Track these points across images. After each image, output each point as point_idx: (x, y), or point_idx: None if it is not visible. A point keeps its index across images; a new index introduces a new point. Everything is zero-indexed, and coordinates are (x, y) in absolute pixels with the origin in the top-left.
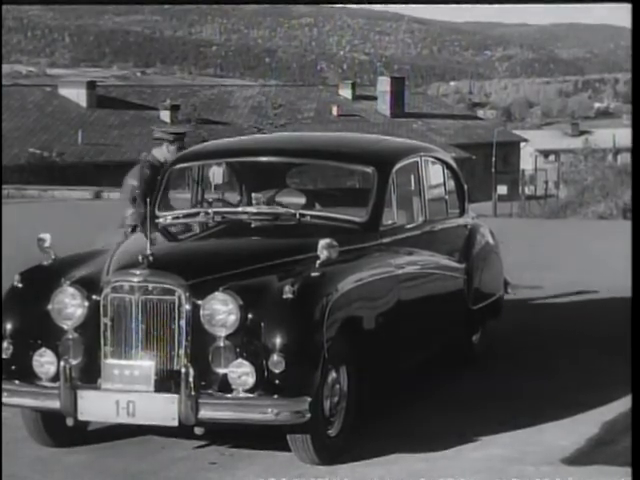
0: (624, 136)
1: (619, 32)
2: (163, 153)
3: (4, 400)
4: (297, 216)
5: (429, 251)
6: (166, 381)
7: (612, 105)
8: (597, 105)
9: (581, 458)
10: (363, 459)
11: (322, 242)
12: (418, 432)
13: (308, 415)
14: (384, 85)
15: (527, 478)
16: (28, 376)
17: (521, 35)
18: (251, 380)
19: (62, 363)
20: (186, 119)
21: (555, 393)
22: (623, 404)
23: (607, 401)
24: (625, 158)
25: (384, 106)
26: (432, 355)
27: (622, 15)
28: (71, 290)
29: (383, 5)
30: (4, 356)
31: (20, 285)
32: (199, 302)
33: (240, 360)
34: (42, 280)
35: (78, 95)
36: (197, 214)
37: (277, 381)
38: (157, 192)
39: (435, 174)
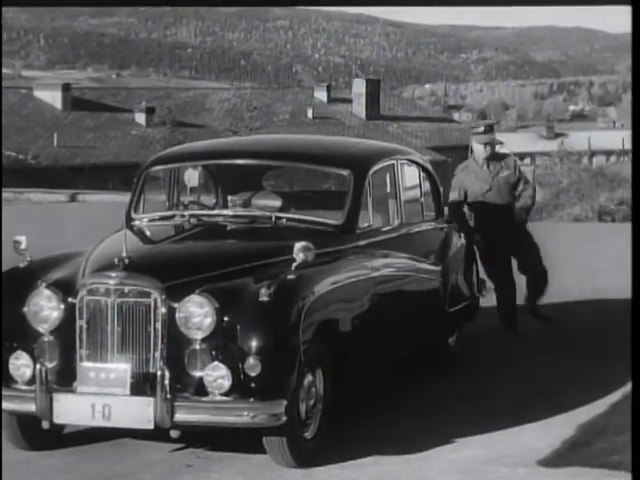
0: (599, 139)
1: (594, 35)
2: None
3: None
4: (273, 219)
5: (405, 254)
6: (142, 384)
7: (587, 108)
8: (572, 108)
9: (556, 460)
10: (339, 461)
11: (298, 245)
12: (395, 434)
13: (284, 418)
14: (359, 88)
15: (503, 479)
16: (4, 379)
17: (496, 38)
18: (227, 383)
19: (38, 366)
20: (161, 121)
21: (531, 395)
22: (598, 406)
23: (582, 403)
24: (600, 161)
25: (359, 109)
26: (409, 357)
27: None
28: (47, 292)
29: (358, 8)
30: None
31: None
32: (175, 305)
33: (216, 363)
34: (18, 282)
35: (53, 97)
36: (173, 217)
37: (253, 384)
38: (133, 194)
39: (411, 177)
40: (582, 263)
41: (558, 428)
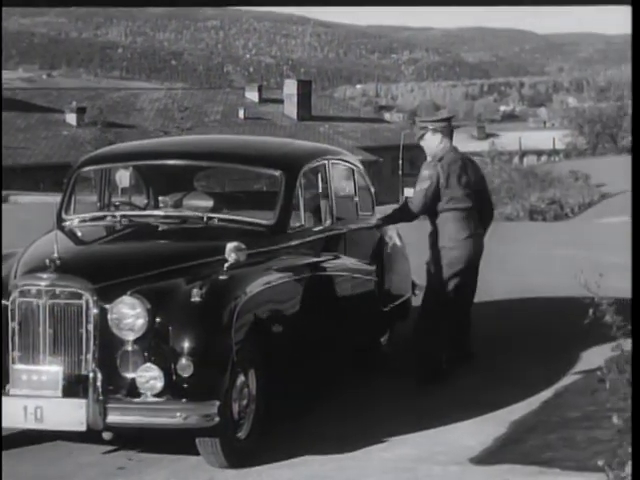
0: (530, 139)
1: (524, 36)
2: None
3: None
4: (204, 219)
5: (338, 253)
6: (74, 386)
7: (518, 108)
8: (503, 108)
9: (489, 458)
10: (272, 462)
11: (230, 245)
12: (327, 434)
13: (217, 419)
14: (291, 88)
15: (435, 478)
16: None
17: (427, 39)
18: (159, 384)
19: None
20: (92, 122)
21: (463, 393)
22: (530, 403)
23: (515, 400)
24: (531, 160)
25: (291, 109)
26: (342, 357)
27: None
28: None
29: (289, 8)
30: None
31: None
32: (107, 306)
33: (148, 364)
34: None
35: None
36: (104, 217)
37: (185, 385)
38: (64, 195)
39: (342, 177)
40: (513, 262)
41: (490, 426)
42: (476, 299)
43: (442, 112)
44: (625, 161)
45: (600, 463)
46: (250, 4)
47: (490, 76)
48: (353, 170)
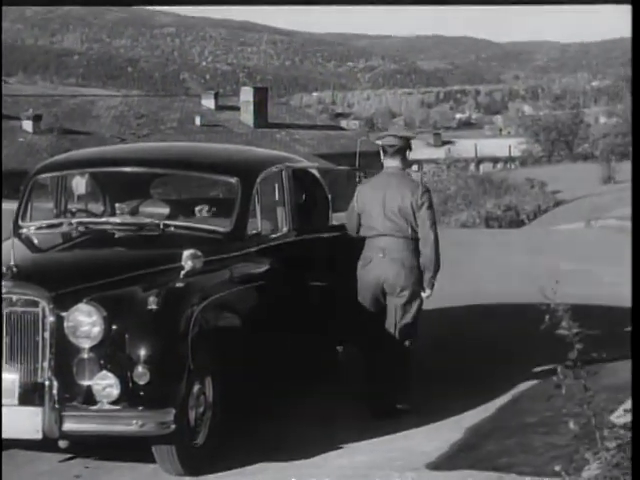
0: (486, 146)
1: (479, 44)
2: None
3: None
4: (161, 226)
5: (295, 260)
6: (30, 394)
7: (474, 116)
8: (459, 116)
9: (445, 463)
10: (229, 469)
11: (186, 252)
12: (284, 440)
13: (173, 426)
14: (247, 95)
15: None
16: None
17: (383, 47)
18: (115, 392)
19: None
20: (49, 129)
21: (419, 399)
22: (487, 409)
23: (471, 406)
24: (487, 168)
25: (247, 116)
26: (299, 364)
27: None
28: None
29: (245, 16)
30: None
31: None
32: (63, 314)
33: (104, 372)
34: None
35: None
36: (61, 224)
37: (142, 393)
38: (20, 202)
39: (299, 184)
40: (469, 268)
41: (446, 432)
42: (432, 306)
43: (398, 120)
44: (580, 168)
45: (557, 468)
46: (250, 3)
47: (446, 84)
48: (309, 177)
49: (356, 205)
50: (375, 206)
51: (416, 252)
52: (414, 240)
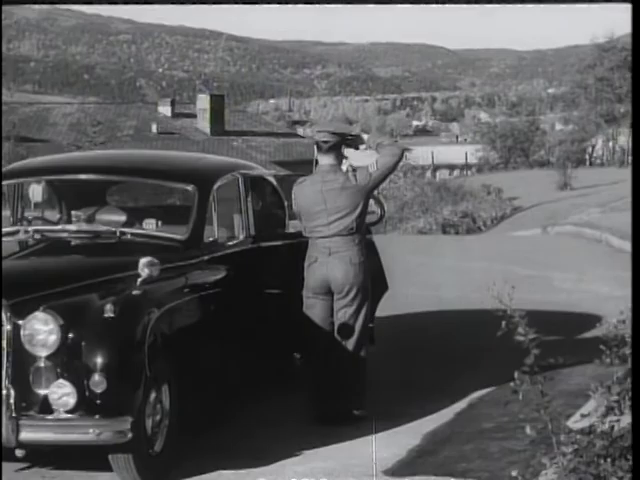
0: (442, 153)
1: (436, 51)
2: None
3: None
4: (117, 234)
5: (253, 268)
6: None
7: (430, 123)
8: (415, 123)
9: (402, 469)
10: (186, 477)
11: (143, 260)
12: (241, 448)
13: (130, 435)
14: (203, 103)
15: None
16: None
17: (340, 53)
18: (72, 400)
19: None
20: (5, 137)
21: (377, 405)
22: (444, 415)
23: (428, 412)
24: (444, 174)
25: (204, 124)
26: (256, 371)
27: (439, 35)
28: None
29: (201, 23)
30: None
31: None
32: (20, 322)
33: (61, 380)
34: None
35: None
36: (17, 232)
37: (98, 401)
38: None
39: (256, 191)
40: (426, 275)
41: (404, 438)
42: (389, 312)
43: (355, 126)
44: (537, 175)
45: (514, 473)
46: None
47: (402, 91)
48: (266, 184)
49: (294, 206)
50: (315, 205)
51: (363, 248)
52: (360, 235)
